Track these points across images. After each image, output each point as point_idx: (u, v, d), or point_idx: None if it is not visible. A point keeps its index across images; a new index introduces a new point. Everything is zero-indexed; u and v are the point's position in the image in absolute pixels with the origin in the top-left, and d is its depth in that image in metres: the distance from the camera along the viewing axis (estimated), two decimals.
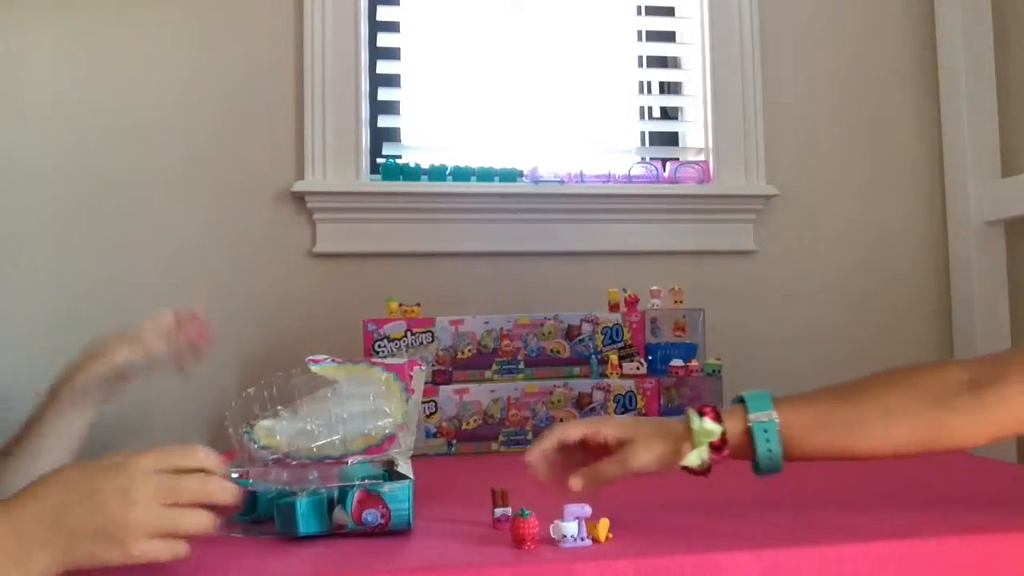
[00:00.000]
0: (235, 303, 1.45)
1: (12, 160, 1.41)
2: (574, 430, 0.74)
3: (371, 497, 0.68)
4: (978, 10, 1.62)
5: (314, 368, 0.94)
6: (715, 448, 0.70)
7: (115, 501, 0.57)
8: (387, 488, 0.69)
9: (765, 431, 0.69)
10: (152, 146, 1.45)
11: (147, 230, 1.44)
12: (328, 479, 0.75)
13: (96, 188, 1.43)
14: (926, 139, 1.69)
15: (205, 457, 0.63)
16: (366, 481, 0.71)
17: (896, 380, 0.72)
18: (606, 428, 0.73)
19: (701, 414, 0.71)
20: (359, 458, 0.82)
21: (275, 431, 0.85)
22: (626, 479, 0.71)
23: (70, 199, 1.42)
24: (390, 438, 0.86)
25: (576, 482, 0.70)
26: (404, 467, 0.82)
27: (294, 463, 0.81)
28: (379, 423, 0.87)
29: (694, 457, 0.70)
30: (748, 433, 0.70)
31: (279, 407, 0.87)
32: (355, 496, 0.68)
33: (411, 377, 0.96)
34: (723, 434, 0.70)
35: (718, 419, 0.70)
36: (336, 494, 0.69)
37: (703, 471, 0.71)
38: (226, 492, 0.62)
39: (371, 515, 0.68)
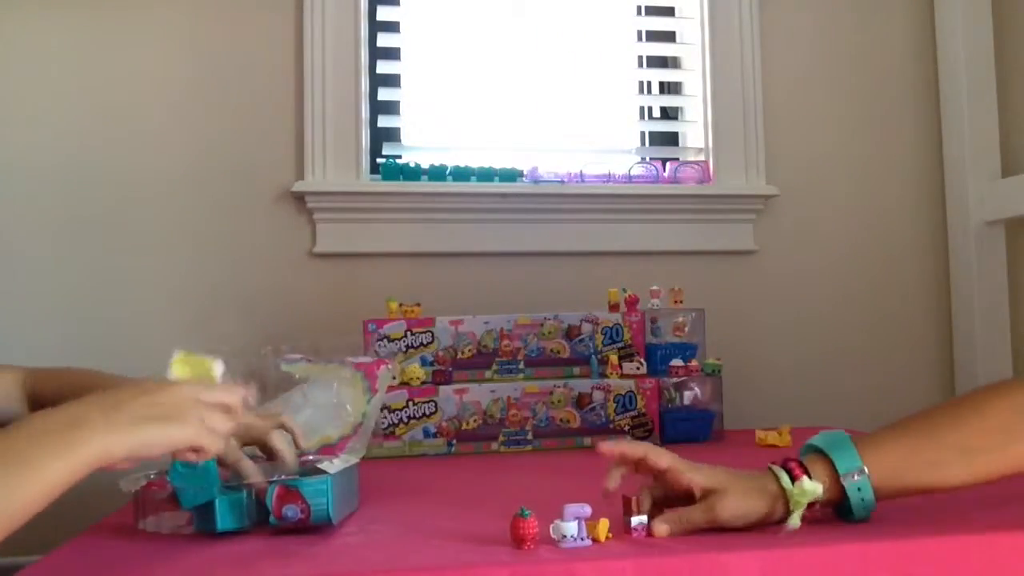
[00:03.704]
0: (235, 303, 1.45)
1: (12, 160, 1.41)
2: (661, 460, 0.70)
3: (290, 493, 0.70)
4: (978, 10, 1.62)
5: (285, 367, 0.95)
6: (808, 506, 0.67)
7: (168, 394, 0.63)
8: (306, 483, 0.70)
9: (859, 489, 0.68)
10: (152, 146, 1.45)
11: (147, 230, 1.44)
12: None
13: (96, 188, 1.43)
14: (926, 139, 1.69)
15: (236, 400, 0.67)
16: (283, 477, 0.72)
17: (966, 413, 0.73)
18: (696, 477, 0.69)
19: (788, 471, 0.68)
20: (312, 456, 0.83)
21: None
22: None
23: (70, 199, 1.42)
24: (345, 438, 0.87)
25: (662, 528, 0.67)
26: (345, 460, 0.81)
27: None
28: (337, 424, 0.87)
29: (796, 519, 0.66)
30: (839, 488, 0.68)
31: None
32: (274, 492, 0.70)
33: (376, 376, 0.96)
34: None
35: (807, 476, 0.68)
36: (254, 491, 0.71)
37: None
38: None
39: (291, 510, 0.70)
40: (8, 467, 0.54)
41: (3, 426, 0.72)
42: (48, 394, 0.85)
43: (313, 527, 0.71)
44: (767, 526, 0.68)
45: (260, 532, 0.71)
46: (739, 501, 0.68)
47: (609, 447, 0.72)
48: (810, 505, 0.67)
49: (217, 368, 0.74)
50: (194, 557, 0.66)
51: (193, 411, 0.62)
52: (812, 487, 0.67)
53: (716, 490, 0.68)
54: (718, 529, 0.67)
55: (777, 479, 0.68)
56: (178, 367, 0.72)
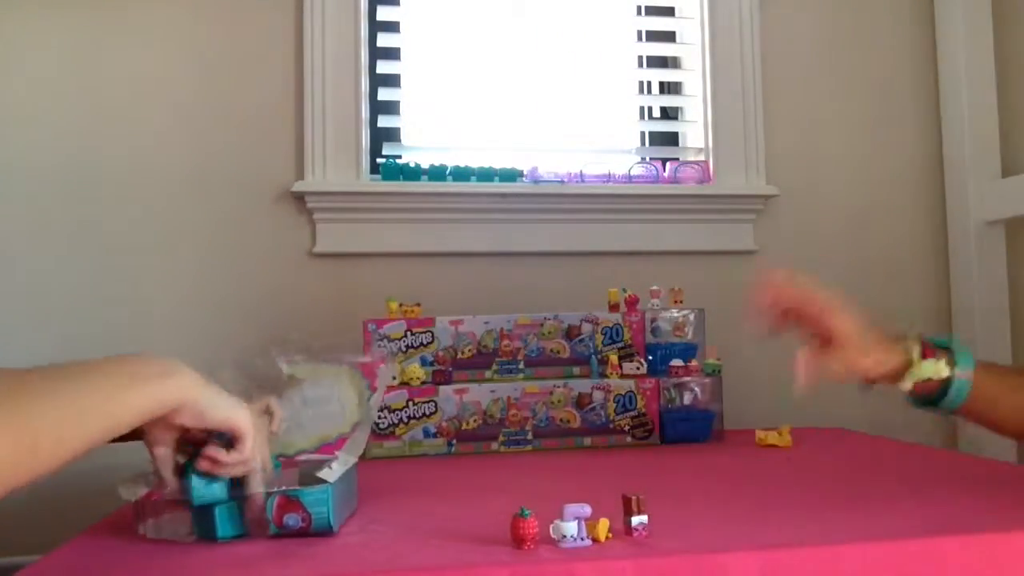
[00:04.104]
0: (235, 303, 1.45)
1: (12, 161, 1.41)
2: (815, 303, 0.86)
3: (291, 502, 0.71)
4: (978, 11, 1.62)
5: (286, 369, 0.94)
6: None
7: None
8: (307, 493, 0.71)
9: (959, 389, 0.81)
10: (152, 146, 1.45)
11: (147, 230, 1.44)
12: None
13: (96, 188, 1.43)
14: (926, 139, 1.69)
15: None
16: (283, 487, 0.72)
17: None
18: (843, 325, 0.83)
19: (921, 348, 0.81)
20: (313, 456, 0.83)
21: None
22: None
23: (70, 199, 1.42)
24: (343, 437, 0.87)
25: (804, 383, 0.81)
26: (344, 463, 0.81)
27: None
28: (336, 422, 0.87)
29: (908, 384, 0.81)
30: (945, 382, 0.81)
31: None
32: (275, 501, 0.70)
33: (375, 375, 0.96)
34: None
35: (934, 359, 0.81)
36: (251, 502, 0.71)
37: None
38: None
39: (292, 519, 0.70)
40: (124, 379, 0.60)
41: None
42: None
43: (314, 534, 0.71)
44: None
45: (259, 533, 0.71)
46: (877, 361, 0.81)
47: (766, 289, 0.89)
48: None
49: None
50: (193, 558, 0.66)
51: (248, 412, 0.69)
52: (936, 368, 0.80)
53: (857, 346, 0.81)
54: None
55: (908, 350, 0.81)
56: None
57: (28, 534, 1.20)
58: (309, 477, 0.74)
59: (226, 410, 0.67)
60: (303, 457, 0.82)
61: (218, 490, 0.70)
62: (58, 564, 0.66)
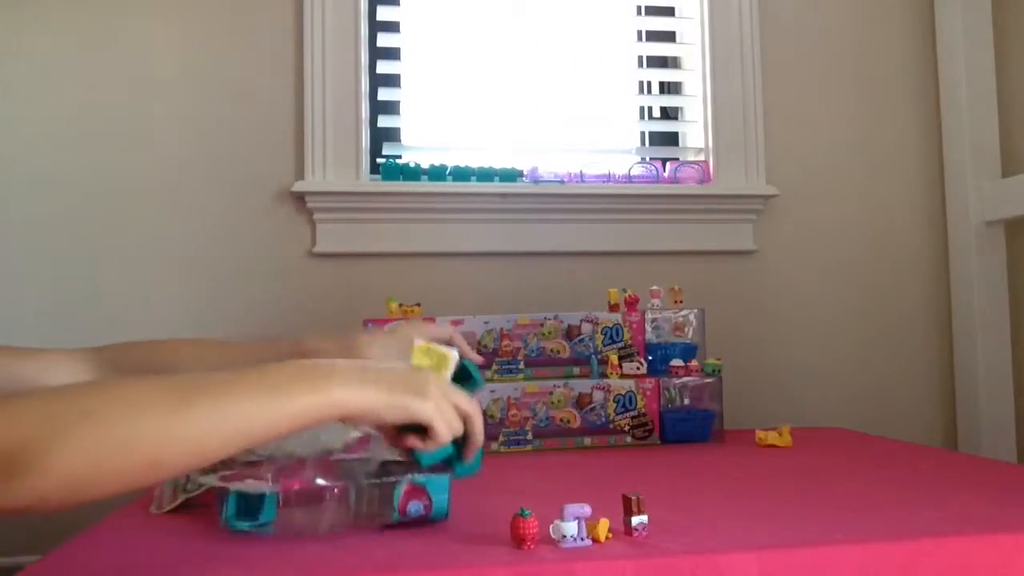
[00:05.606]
0: (235, 303, 1.45)
1: (12, 160, 1.41)
2: None
3: (417, 489, 0.73)
4: (978, 11, 1.62)
5: None
6: None
7: (415, 376, 0.67)
8: (432, 480, 0.73)
9: None
10: (152, 146, 1.45)
11: (147, 230, 1.44)
12: (316, 472, 0.75)
13: (96, 188, 1.43)
14: (926, 139, 1.69)
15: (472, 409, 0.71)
16: (409, 475, 0.74)
17: None
18: None
19: None
20: (343, 456, 0.82)
21: None
22: None
23: (70, 199, 1.42)
24: (366, 437, 0.87)
25: None
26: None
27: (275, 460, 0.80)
28: (338, 434, 0.87)
29: None
30: None
31: None
32: (402, 489, 0.72)
33: None
34: None
35: None
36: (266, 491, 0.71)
37: None
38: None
39: (415, 507, 0.72)
40: (264, 391, 0.59)
41: None
42: (133, 366, 0.89)
43: (431, 521, 0.73)
44: None
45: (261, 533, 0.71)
46: None
47: None
48: None
49: (453, 359, 0.75)
50: (197, 555, 0.66)
51: (436, 395, 0.66)
52: None
53: None
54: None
55: None
56: (418, 355, 0.74)
57: (28, 534, 1.20)
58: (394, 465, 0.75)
59: (403, 405, 0.64)
60: (336, 454, 0.82)
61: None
62: (59, 563, 0.66)
